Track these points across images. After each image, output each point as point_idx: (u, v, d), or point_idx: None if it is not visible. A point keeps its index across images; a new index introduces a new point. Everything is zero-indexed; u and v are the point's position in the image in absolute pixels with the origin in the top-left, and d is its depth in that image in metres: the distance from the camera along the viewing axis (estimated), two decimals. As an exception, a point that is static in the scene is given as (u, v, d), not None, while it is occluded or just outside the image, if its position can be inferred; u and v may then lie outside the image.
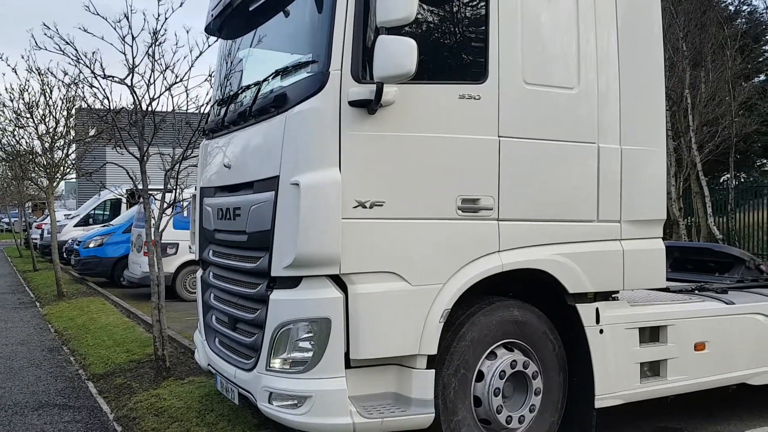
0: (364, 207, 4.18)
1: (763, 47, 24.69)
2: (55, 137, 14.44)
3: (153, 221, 7.55)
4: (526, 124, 4.67)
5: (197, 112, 8.01)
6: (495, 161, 4.55)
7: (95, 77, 7.41)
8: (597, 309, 4.93)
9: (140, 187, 7.45)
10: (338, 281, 4.19)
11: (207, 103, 7.68)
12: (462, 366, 4.42)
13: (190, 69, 7.46)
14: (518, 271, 4.66)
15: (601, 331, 4.93)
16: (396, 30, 4.05)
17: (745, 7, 23.43)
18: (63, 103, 14.28)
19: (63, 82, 10.20)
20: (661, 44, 5.37)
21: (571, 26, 4.89)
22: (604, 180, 4.97)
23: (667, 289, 5.91)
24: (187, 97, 7.84)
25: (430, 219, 4.37)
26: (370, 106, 4.14)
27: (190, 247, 13.58)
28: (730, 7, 23.01)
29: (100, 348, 9.05)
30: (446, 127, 4.41)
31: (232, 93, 5.42)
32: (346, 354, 4.17)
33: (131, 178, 7.48)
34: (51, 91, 14.05)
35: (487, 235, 4.53)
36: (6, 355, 9.04)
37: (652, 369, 5.27)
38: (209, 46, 7.40)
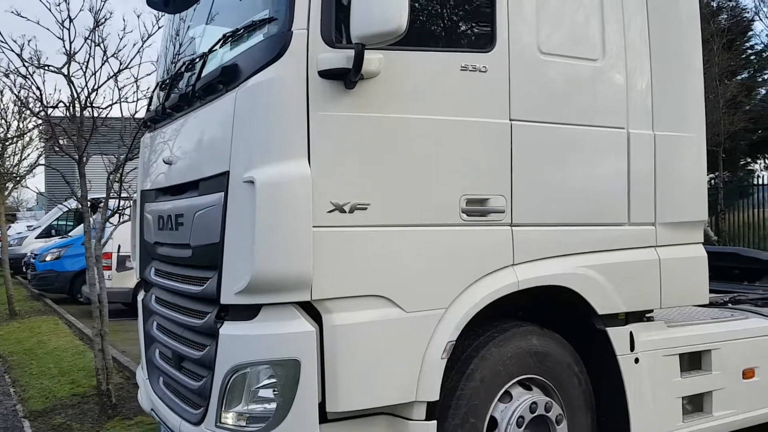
0: (342, 211, 3.18)
1: (746, 43, 24.20)
2: (6, 143, 13.25)
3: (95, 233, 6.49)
4: (542, 105, 3.72)
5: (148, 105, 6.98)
6: (506, 151, 3.58)
7: (25, 65, 6.35)
8: (631, 333, 3.97)
9: (78, 193, 6.38)
10: (309, 310, 3.19)
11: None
12: (471, 413, 3.43)
13: (138, 54, 6.46)
14: (533, 289, 3.70)
15: (637, 360, 3.97)
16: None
17: (728, 3, 22.90)
18: (15, 105, 13.12)
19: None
20: (698, 17, 4.44)
21: None
22: (635, 174, 4.02)
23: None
24: (137, 88, 6.76)
25: (428, 226, 3.38)
26: (347, 77, 3.15)
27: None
28: (713, 3, 22.44)
29: (43, 378, 7.94)
30: (446, 107, 3.44)
31: (175, 73, 4.38)
32: (321, 405, 3.16)
33: (68, 183, 6.40)
34: (2, 93, 12.87)
35: (499, 244, 3.56)
36: (-63, 388, 7.90)
37: (693, 403, 4.33)
38: (159, 27, 6.42)
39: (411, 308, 3.29)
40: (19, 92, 7.42)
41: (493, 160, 3.56)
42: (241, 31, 3.50)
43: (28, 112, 13.20)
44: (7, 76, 6.87)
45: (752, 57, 24.42)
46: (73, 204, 7.42)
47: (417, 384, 3.28)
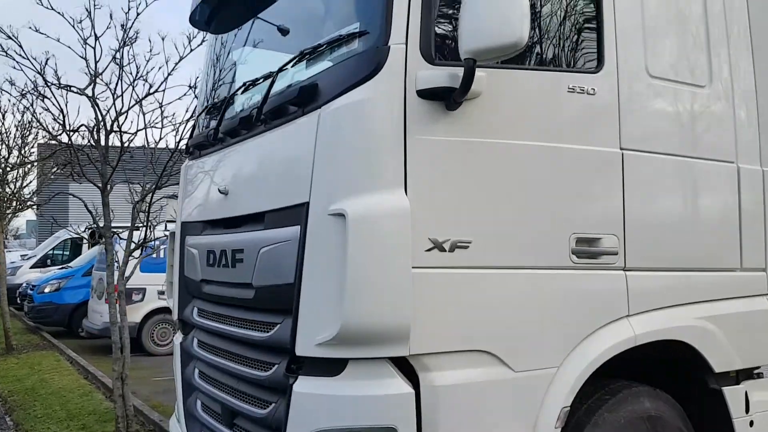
0: (442, 250, 2.74)
1: None
2: (7, 168, 12.79)
3: (117, 265, 6.01)
4: (653, 133, 3.32)
5: (173, 131, 6.58)
6: (618, 184, 3.16)
7: (47, 86, 5.93)
8: (746, 393, 3.52)
9: (101, 223, 5.92)
10: (402, 367, 2.72)
11: (187, 120, 6.25)
12: (583, 491, 2.95)
13: (166, 78, 6.07)
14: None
15: (752, 423, 3.52)
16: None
17: None
18: (17, 129, 12.70)
19: (9, 93, 8.60)
20: None
21: (696, 4, 3.59)
22: (746, 214, 3.61)
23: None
24: (162, 114, 6.34)
25: (535, 269, 2.94)
26: (450, 97, 2.74)
27: (159, 292, 12.17)
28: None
29: (50, 421, 7.35)
30: (552, 132, 3.03)
31: (228, 97, 3.96)
32: (417, 480, 2.68)
33: (90, 212, 5.93)
34: (3, 116, 12.45)
35: (612, 291, 3.12)
36: (-69, 432, 7.31)
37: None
38: (192, 50, 6.05)
39: (519, 367, 2.83)
40: (32, 113, 6.99)
41: (604, 193, 3.14)
42: (323, 47, 3.08)
43: (31, 138, 12.93)
44: (24, 96, 6.43)
45: None
46: (92, 232, 6.92)
47: (528, 456, 2.80)
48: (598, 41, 3.18)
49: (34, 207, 11.75)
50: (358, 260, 2.60)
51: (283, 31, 3.74)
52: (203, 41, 5.90)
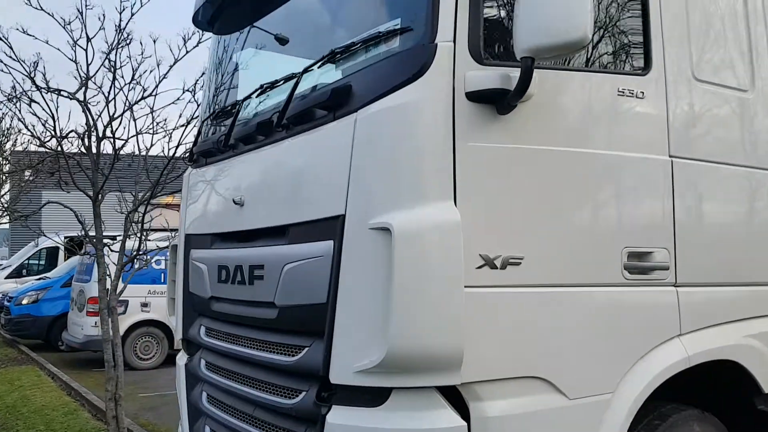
0: (493, 267, 2.51)
1: None
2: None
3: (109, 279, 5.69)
4: (700, 140, 3.14)
5: (165, 137, 6.29)
6: (668, 194, 2.97)
7: (38, 89, 5.61)
8: (795, 415, 3.34)
9: (92, 233, 5.60)
10: (450, 395, 2.48)
11: (183, 126, 5.98)
12: None
13: (159, 82, 5.79)
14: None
15: (801, 449, 3.34)
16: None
17: None
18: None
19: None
20: None
21: (738, 8, 3.44)
22: None
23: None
24: (153, 121, 6.05)
25: (588, 286, 2.72)
26: (504, 100, 2.52)
27: (142, 305, 11.77)
28: None
29: (34, 443, 7.01)
30: (604, 138, 2.83)
31: (240, 101, 3.70)
32: None
33: (80, 222, 5.61)
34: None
35: (664, 309, 2.92)
36: None
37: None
38: (187, 51, 5.78)
39: (575, 394, 2.61)
40: (17, 117, 6.66)
41: (655, 204, 2.95)
42: (357, 45, 2.84)
43: (9, 144, 12.50)
44: (10, 100, 6.09)
45: None
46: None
47: (585, 490, 2.58)
48: (644, 42, 3.00)
49: (21, 217, 11.30)
50: (406, 279, 2.36)
51: (301, 31, 3.51)
52: (199, 42, 5.66)
